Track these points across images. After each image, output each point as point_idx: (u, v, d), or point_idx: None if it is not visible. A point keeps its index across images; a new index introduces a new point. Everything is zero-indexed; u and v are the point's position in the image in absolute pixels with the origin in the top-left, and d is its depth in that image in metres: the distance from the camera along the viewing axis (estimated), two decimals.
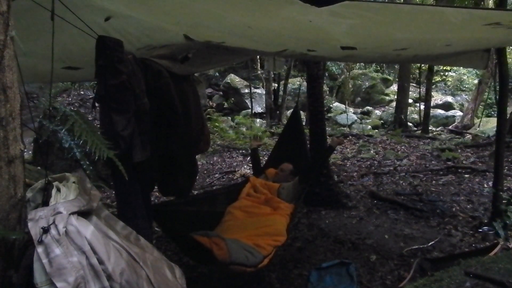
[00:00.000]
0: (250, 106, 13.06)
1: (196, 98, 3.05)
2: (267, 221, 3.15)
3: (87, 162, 1.61)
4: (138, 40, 2.62)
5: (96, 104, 2.19)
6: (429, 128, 11.22)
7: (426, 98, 10.78)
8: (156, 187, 3.06)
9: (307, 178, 3.58)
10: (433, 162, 6.88)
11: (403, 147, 8.29)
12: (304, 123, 11.96)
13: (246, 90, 13.96)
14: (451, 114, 14.23)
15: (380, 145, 8.57)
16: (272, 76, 12.47)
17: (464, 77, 17.98)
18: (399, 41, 2.70)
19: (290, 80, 12.82)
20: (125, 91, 2.14)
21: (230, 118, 13.02)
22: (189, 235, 2.70)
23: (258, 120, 12.60)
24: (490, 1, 10.23)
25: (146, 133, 2.31)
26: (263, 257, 2.67)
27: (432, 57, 3.65)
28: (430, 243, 3.58)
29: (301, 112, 13.19)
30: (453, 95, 17.18)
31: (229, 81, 14.57)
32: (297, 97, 13.85)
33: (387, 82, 17.32)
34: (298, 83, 12.43)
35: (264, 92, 13.04)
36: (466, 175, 5.81)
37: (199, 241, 2.65)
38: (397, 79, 14.13)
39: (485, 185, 5.24)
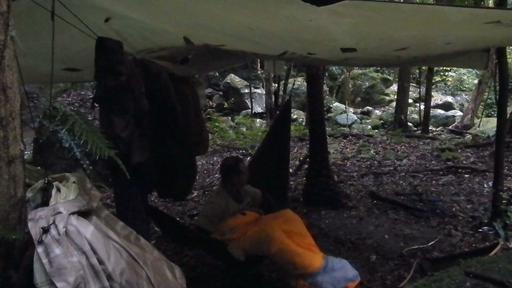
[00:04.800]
0: (250, 106, 13.08)
1: (196, 100, 3.04)
2: None
3: (87, 162, 1.61)
4: (138, 42, 2.61)
5: (95, 106, 2.19)
6: (429, 128, 11.21)
7: (426, 98, 10.78)
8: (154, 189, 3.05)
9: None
10: (433, 162, 6.87)
11: (403, 147, 8.29)
12: (304, 123, 11.88)
13: (246, 90, 13.97)
14: (451, 114, 14.25)
15: (380, 145, 8.57)
16: (272, 76, 12.47)
17: (464, 77, 17.99)
18: (399, 40, 2.70)
19: (290, 80, 12.83)
20: (124, 93, 2.14)
21: (230, 118, 13.03)
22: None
23: (258, 120, 12.61)
24: (490, 1, 10.22)
25: (145, 135, 2.30)
26: None
27: (432, 58, 3.65)
28: (430, 243, 3.57)
29: (301, 112, 13.19)
30: (453, 95, 17.19)
31: (229, 81, 14.58)
32: (296, 97, 13.91)
33: (387, 82, 17.32)
34: (298, 82, 12.43)
35: (264, 92, 13.05)
36: (466, 175, 5.81)
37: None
38: (397, 79, 14.14)
39: (485, 185, 5.24)
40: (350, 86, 16.38)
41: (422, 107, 11.44)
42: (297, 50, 3.09)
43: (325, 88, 14.85)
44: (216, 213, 2.94)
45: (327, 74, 15.51)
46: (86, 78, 3.73)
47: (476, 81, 14.20)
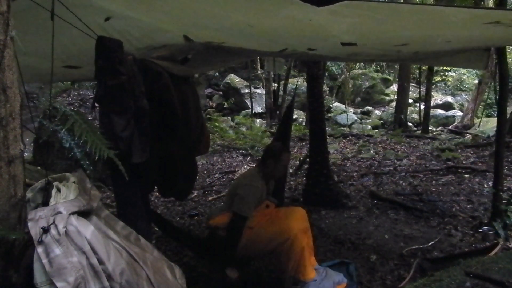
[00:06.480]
0: (250, 106, 13.08)
1: (196, 100, 3.04)
2: None
3: (87, 162, 1.61)
4: (138, 41, 2.62)
5: (96, 105, 2.19)
6: (429, 128, 11.23)
7: (426, 98, 10.80)
8: (156, 188, 3.05)
9: None
10: (433, 162, 6.88)
11: (403, 147, 8.29)
12: (304, 123, 11.88)
13: (246, 90, 13.97)
14: (451, 114, 14.25)
15: (380, 145, 8.57)
16: (272, 76, 12.48)
17: (464, 77, 17.99)
18: (400, 37, 2.70)
19: (290, 80, 12.83)
20: (124, 92, 2.13)
21: (230, 118, 13.03)
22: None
23: (258, 120, 12.61)
24: (490, 1, 10.23)
25: (145, 135, 2.30)
26: None
27: (432, 56, 3.64)
28: (430, 243, 3.57)
29: (301, 112, 13.19)
30: (453, 95, 17.19)
31: (229, 81, 14.58)
32: (296, 97, 13.89)
33: (387, 82, 17.33)
34: (298, 82, 12.43)
35: (264, 92, 13.06)
36: (466, 175, 5.81)
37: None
38: (397, 79, 14.14)
39: (485, 185, 5.24)
40: (350, 86, 16.38)
41: (422, 107, 11.45)
42: (298, 46, 3.09)
43: (325, 88, 14.86)
44: (257, 196, 2.80)
45: (327, 74, 15.51)
46: (86, 76, 3.72)
47: (476, 81, 14.20)
